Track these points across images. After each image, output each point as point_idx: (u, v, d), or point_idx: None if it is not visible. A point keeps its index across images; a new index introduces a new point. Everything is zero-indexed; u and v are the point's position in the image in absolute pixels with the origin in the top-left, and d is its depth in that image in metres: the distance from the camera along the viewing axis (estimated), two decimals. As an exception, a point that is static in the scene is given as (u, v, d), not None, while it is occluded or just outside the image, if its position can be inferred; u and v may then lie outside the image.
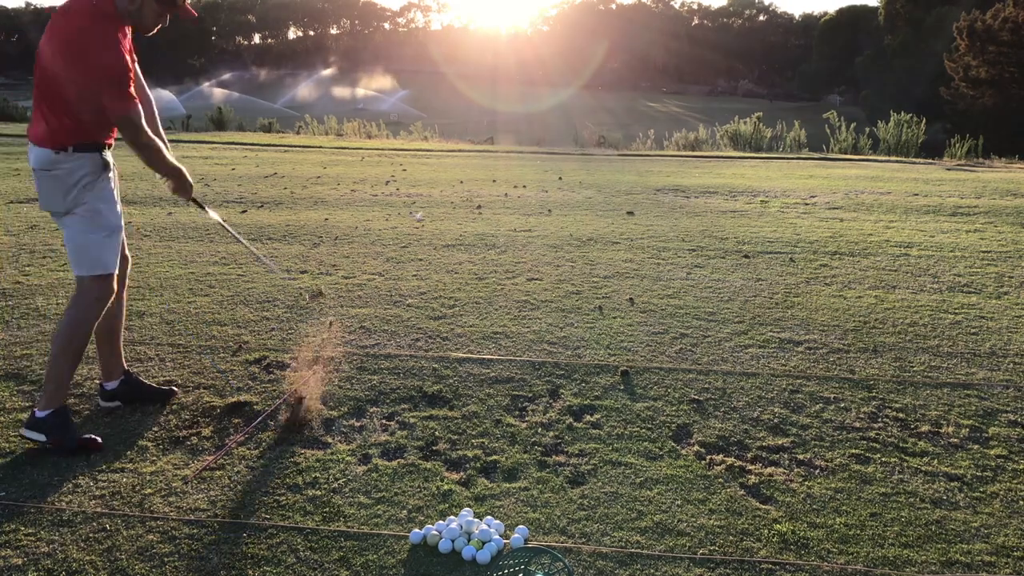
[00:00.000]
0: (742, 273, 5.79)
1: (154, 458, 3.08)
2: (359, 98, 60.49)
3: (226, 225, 3.71)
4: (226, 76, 76.87)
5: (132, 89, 3.00)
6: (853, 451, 3.21)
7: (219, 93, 52.57)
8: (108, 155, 3.16)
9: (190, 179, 3.30)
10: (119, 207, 3.24)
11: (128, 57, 3.04)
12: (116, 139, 3.21)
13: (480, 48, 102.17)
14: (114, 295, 3.28)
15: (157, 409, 3.46)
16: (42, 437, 3.08)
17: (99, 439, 3.15)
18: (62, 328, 3.14)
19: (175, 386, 3.67)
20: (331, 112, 23.22)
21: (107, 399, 3.50)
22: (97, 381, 3.67)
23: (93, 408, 3.47)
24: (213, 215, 3.61)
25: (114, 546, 2.54)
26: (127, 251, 3.44)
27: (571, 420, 3.43)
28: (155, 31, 3.18)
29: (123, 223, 3.27)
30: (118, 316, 3.46)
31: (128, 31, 3.12)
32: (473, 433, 3.31)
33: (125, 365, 3.57)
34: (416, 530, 2.61)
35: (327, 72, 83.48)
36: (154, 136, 3.14)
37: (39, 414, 3.10)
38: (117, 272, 3.25)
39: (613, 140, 18.84)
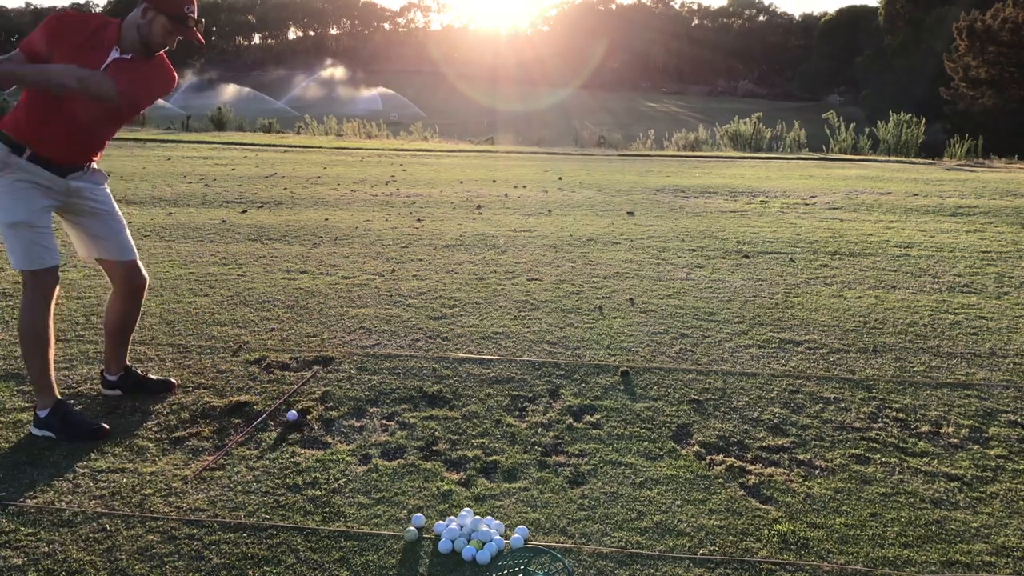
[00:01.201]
0: (742, 273, 5.80)
1: (154, 458, 3.08)
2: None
3: None
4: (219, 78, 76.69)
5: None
6: (853, 451, 3.21)
7: (232, 88, 51.77)
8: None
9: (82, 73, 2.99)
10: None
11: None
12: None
13: (480, 48, 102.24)
14: (117, 292, 3.46)
15: (157, 409, 3.47)
16: (51, 433, 3.19)
17: (107, 426, 3.24)
18: (18, 327, 3.23)
19: (179, 384, 3.69)
20: (331, 113, 23.14)
21: (108, 387, 3.62)
22: (95, 383, 3.68)
23: (93, 408, 3.47)
24: None
25: (114, 546, 2.54)
26: (143, 268, 3.49)
27: (571, 420, 3.43)
28: (162, 51, 3.22)
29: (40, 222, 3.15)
30: (129, 315, 3.53)
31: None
32: (473, 433, 3.31)
33: (127, 362, 3.64)
34: (411, 527, 2.60)
35: (328, 73, 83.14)
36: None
37: (41, 414, 3.21)
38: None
39: (613, 140, 18.83)
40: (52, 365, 3.24)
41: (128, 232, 3.44)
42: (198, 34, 3.22)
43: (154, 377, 3.68)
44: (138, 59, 3.17)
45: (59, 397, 3.27)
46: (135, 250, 3.45)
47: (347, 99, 58.54)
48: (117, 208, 3.42)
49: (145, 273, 3.50)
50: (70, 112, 3.10)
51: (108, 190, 3.41)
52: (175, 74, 3.33)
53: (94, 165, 3.32)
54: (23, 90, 3.09)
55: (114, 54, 3.12)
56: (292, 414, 3.41)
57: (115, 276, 3.45)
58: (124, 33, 3.13)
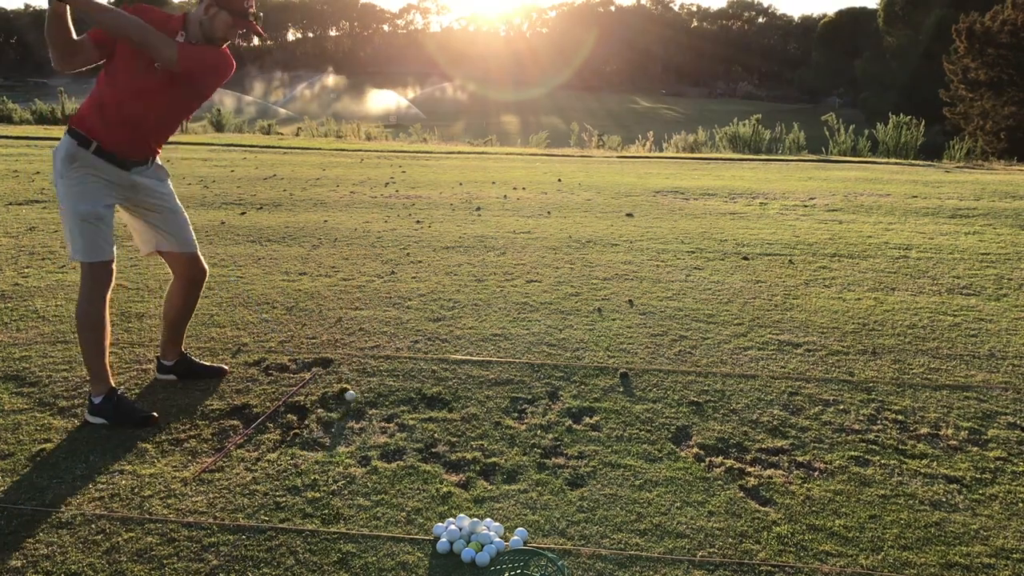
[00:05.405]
0: (741, 275, 5.80)
1: (153, 460, 3.08)
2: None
3: None
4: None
5: None
6: (852, 453, 3.21)
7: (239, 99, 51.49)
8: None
9: None
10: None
11: None
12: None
13: (479, 50, 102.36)
14: (179, 283, 3.62)
15: (157, 410, 3.46)
16: (102, 420, 3.31)
17: (155, 415, 3.37)
18: (76, 315, 3.35)
19: (179, 383, 3.72)
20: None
21: (163, 372, 3.79)
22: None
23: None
24: None
25: (113, 548, 2.54)
26: (203, 259, 3.65)
27: (570, 422, 3.43)
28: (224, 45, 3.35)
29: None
30: (189, 305, 3.71)
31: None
32: (472, 435, 3.31)
33: (183, 349, 3.82)
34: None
35: (332, 78, 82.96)
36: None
37: (95, 400, 3.33)
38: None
39: (612, 142, 18.81)
40: (107, 354, 3.36)
41: (191, 227, 3.59)
42: (258, 27, 3.36)
43: (206, 363, 3.85)
44: (201, 44, 3.31)
45: (112, 386, 3.37)
46: (196, 244, 3.60)
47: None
48: (180, 204, 3.57)
49: (205, 265, 3.67)
50: (136, 102, 3.23)
51: (171, 186, 3.57)
52: (233, 61, 3.42)
53: (157, 160, 3.49)
54: (97, 80, 3.26)
55: (179, 38, 3.26)
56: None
57: (176, 267, 3.60)
58: (188, 28, 3.27)
